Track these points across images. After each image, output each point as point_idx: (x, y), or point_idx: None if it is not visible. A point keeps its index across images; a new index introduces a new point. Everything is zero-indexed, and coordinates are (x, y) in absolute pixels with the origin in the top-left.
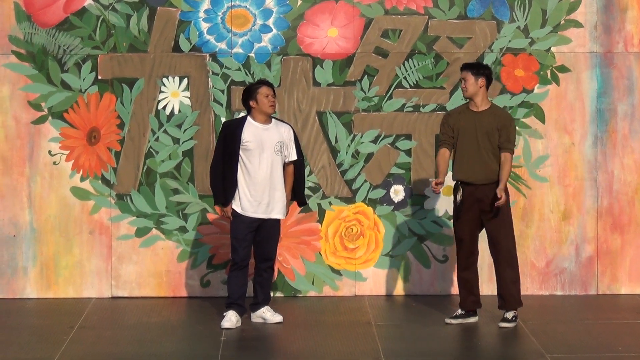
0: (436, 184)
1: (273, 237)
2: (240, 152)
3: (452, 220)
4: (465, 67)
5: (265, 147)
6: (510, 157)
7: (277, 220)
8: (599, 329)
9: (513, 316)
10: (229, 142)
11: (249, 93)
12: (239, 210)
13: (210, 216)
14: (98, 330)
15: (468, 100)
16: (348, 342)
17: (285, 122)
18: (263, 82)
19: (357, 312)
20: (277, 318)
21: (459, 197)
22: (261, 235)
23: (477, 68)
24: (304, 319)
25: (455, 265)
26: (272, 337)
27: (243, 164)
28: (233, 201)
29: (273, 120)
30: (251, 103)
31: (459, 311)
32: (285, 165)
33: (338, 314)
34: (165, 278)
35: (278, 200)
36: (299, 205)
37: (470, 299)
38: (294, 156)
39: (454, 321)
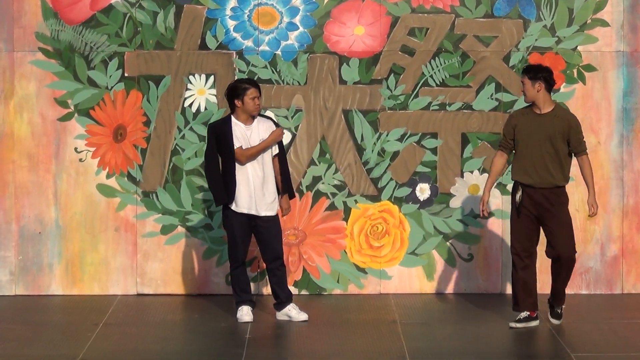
0: (483, 208)
1: (274, 233)
2: (231, 151)
3: (509, 220)
4: (523, 71)
5: (250, 145)
6: (587, 158)
7: (274, 217)
8: (624, 328)
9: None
10: (222, 143)
11: (236, 92)
12: (234, 208)
13: None
14: (123, 328)
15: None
16: (373, 341)
17: (267, 117)
18: (251, 83)
19: (382, 310)
20: (303, 316)
21: (517, 197)
22: (263, 235)
23: (535, 72)
24: (329, 317)
25: (478, 265)
26: (297, 334)
27: (236, 163)
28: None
29: (255, 118)
30: (236, 102)
31: (523, 314)
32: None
33: (363, 312)
34: (190, 275)
35: (270, 195)
36: (289, 198)
37: (528, 300)
38: (276, 149)
39: (518, 325)
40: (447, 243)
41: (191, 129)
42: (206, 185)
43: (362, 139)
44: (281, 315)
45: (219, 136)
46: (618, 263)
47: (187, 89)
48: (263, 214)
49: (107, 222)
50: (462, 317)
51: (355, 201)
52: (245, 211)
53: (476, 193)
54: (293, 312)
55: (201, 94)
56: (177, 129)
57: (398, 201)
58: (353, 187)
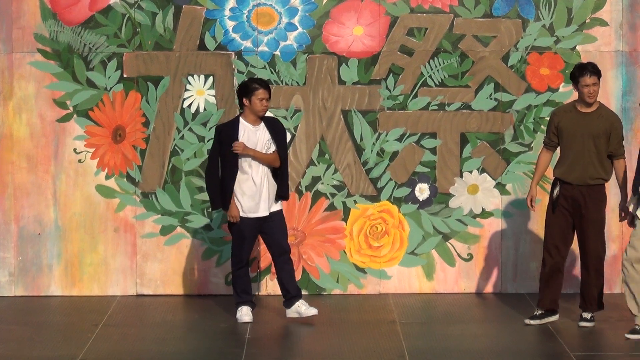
0: (531, 202)
1: (281, 228)
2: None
3: (545, 217)
4: (594, 72)
5: (257, 147)
6: (624, 162)
7: (279, 212)
8: (624, 327)
9: (591, 316)
10: (227, 144)
11: (246, 90)
12: (242, 214)
13: None
14: (122, 328)
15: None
16: (372, 341)
17: (274, 118)
18: (261, 84)
19: (382, 310)
20: (312, 311)
21: (555, 193)
22: (269, 230)
23: (600, 73)
24: (329, 317)
25: (478, 264)
26: (296, 334)
27: (241, 164)
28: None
29: (262, 119)
30: (244, 101)
31: (538, 311)
32: None
33: (362, 312)
34: (189, 276)
35: (272, 194)
36: (282, 199)
37: (550, 297)
38: (273, 147)
39: (533, 322)
40: (447, 243)
41: (190, 129)
42: (205, 186)
43: (361, 139)
44: (291, 312)
45: (224, 138)
46: (617, 262)
47: (186, 90)
48: (269, 211)
49: (106, 222)
50: (462, 317)
51: (355, 201)
52: (252, 215)
53: (475, 193)
54: (302, 308)
55: (200, 94)
56: (176, 129)
57: (397, 201)
58: (352, 187)
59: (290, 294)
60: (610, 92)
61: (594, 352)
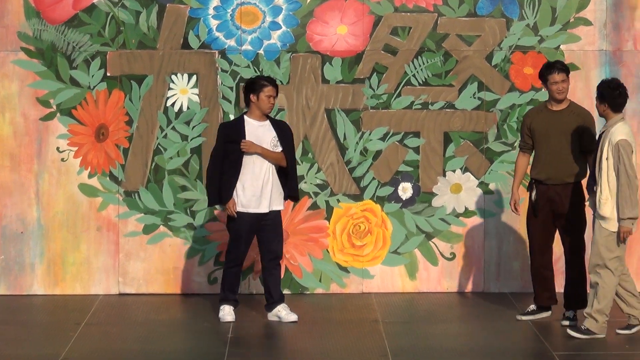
0: (515, 206)
1: (277, 232)
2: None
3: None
4: (562, 69)
5: (262, 143)
6: None
7: (278, 213)
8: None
9: (574, 315)
10: (230, 145)
11: (253, 87)
12: (239, 208)
13: (218, 213)
14: (105, 327)
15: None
16: (355, 340)
17: (282, 120)
18: (270, 82)
19: (364, 309)
20: (292, 317)
21: (533, 195)
22: (265, 231)
23: (568, 70)
24: (311, 316)
25: (461, 263)
26: (279, 334)
27: (244, 161)
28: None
29: (268, 117)
30: (252, 97)
31: (532, 307)
32: None
33: (345, 311)
34: (172, 275)
35: (276, 192)
36: (292, 200)
37: (545, 294)
38: (279, 147)
39: (524, 317)
40: (430, 242)
41: (173, 128)
42: (188, 185)
43: (344, 138)
44: (272, 316)
45: (229, 135)
46: None
47: (169, 89)
48: (270, 209)
49: (89, 221)
50: (444, 316)
51: (338, 200)
52: (252, 211)
53: (458, 192)
54: (283, 313)
55: (184, 93)
56: (159, 128)
57: (380, 200)
58: (335, 186)
59: (273, 298)
60: (594, 92)
61: (576, 352)
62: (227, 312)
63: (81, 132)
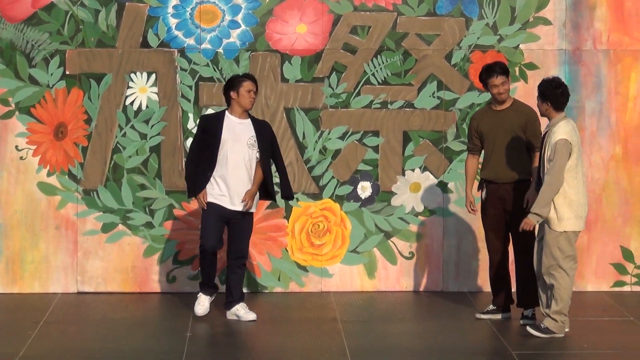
0: (471, 207)
1: (245, 232)
2: (220, 143)
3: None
4: (503, 71)
5: (239, 140)
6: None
7: (250, 215)
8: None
9: (532, 314)
10: (208, 137)
11: (232, 84)
12: (210, 199)
13: (177, 212)
14: (63, 326)
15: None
16: (314, 338)
17: (264, 121)
18: (249, 77)
19: (323, 308)
20: (251, 316)
21: (483, 194)
22: (233, 230)
23: (508, 71)
24: (270, 315)
25: (419, 262)
26: (239, 333)
27: (220, 155)
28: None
29: (250, 116)
30: (232, 94)
31: (491, 306)
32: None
33: (304, 310)
34: (131, 274)
35: (250, 191)
36: (286, 199)
37: (501, 295)
38: (256, 147)
39: (483, 316)
40: (389, 241)
41: (132, 127)
42: (147, 183)
43: (303, 137)
44: (230, 315)
45: (207, 128)
46: None
47: (128, 87)
48: (238, 208)
49: (47, 220)
50: (403, 315)
51: (297, 199)
52: (221, 203)
53: (417, 191)
54: (241, 312)
55: (143, 92)
56: (118, 127)
57: (339, 199)
58: (294, 185)
59: (233, 297)
60: None
61: (535, 351)
62: (200, 303)
63: (40, 131)
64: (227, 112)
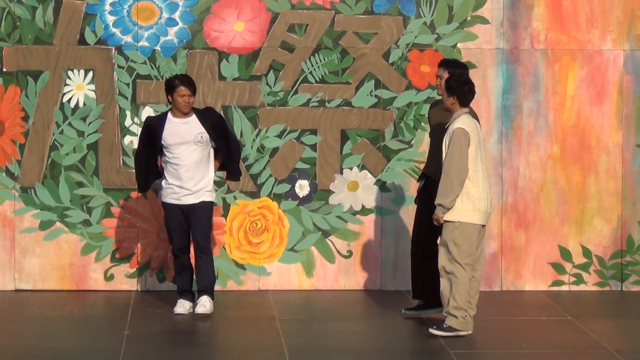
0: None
1: (201, 223)
2: (163, 146)
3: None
4: (444, 64)
5: (184, 140)
6: None
7: (205, 205)
8: (503, 325)
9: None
10: (150, 139)
11: (167, 87)
12: (163, 199)
13: (115, 209)
14: (1, 323)
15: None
16: (252, 337)
17: (207, 108)
18: (182, 81)
19: (261, 306)
20: (200, 309)
21: (420, 185)
22: (192, 222)
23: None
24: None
25: (357, 261)
26: (176, 331)
27: (166, 157)
28: (161, 192)
29: (194, 111)
30: (169, 97)
31: (416, 302)
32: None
33: (242, 308)
34: (68, 271)
35: (203, 187)
36: (232, 179)
37: (420, 289)
38: (206, 136)
39: (409, 313)
40: (326, 240)
41: (70, 124)
42: (85, 181)
43: (241, 135)
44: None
45: (149, 130)
46: (497, 260)
47: (65, 84)
48: (190, 202)
49: None
50: (341, 314)
51: (235, 197)
52: (175, 202)
53: (355, 190)
54: (200, 302)
55: (80, 89)
56: (55, 124)
57: (277, 197)
58: (232, 183)
59: (198, 287)
60: (490, 90)
61: (472, 350)
62: (178, 305)
63: None
64: (169, 114)
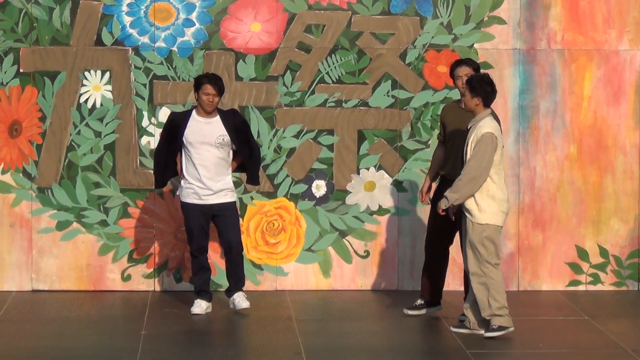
0: (422, 198)
1: (229, 223)
2: (184, 144)
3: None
4: (470, 64)
5: (206, 141)
6: None
7: (230, 206)
8: (520, 325)
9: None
10: (172, 135)
11: (195, 85)
12: (183, 199)
13: (132, 210)
14: (18, 324)
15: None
16: (269, 337)
17: (232, 110)
18: (209, 80)
19: (278, 306)
20: (244, 304)
21: (431, 187)
22: (218, 223)
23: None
24: (225, 314)
25: (374, 261)
26: (193, 331)
27: (187, 155)
28: (180, 191)
29: (219, 112)
30: (195, 95)
31: (418, 302)
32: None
33: (259, 308)
34: (85, 272)
35: (224, 187)
36: (252, 183)
37: (425, 288)
38: (226, 146)
39: (410, 312)
40: (343, 240)
41: (87, 124)
42: (102, 181)
43: (258, 136)
44: (230, 303)
45: (171, 128)
46: (514, 260)
47: (82, 85)
48: (215, 202)
49: (2, 218)
50: (358, 314)
51: (251, 198)
52: (194, 201)
53: (372, 190)
54: (237, 300)
55: (97, 90)
56: (72, 124)
57: (294, 198)
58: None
59: (230, 286)
60: (507, 91)
61: (490, 350)
62: (195, 305)
63: None
64: (194, 112)
